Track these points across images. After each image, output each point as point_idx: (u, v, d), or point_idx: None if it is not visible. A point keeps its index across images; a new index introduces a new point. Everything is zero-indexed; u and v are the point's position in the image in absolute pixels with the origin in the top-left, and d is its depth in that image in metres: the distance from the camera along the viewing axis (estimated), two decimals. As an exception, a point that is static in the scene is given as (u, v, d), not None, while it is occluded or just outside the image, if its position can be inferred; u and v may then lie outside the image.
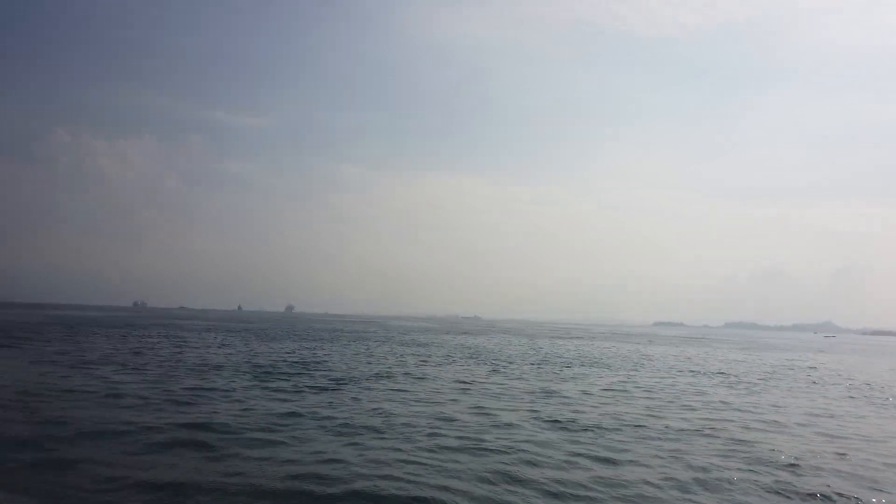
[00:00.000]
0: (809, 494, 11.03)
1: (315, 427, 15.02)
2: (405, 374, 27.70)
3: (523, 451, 13.23)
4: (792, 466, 12.89)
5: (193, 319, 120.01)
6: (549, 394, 22.77)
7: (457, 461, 12.24)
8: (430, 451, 12.97)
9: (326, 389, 21.44)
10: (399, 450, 12.91)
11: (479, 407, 18.95)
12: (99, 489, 9.90)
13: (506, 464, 12.17)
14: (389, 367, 30.37)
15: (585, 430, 15.88)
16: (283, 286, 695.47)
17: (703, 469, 12.36)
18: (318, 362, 31.76)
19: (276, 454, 12.27)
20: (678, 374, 34.18)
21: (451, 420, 16.56)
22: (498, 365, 35.13)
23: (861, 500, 10.83)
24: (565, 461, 12.58)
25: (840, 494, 11.07)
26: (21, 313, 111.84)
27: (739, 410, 20.73)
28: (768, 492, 11.13)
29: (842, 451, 14.82)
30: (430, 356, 40.22)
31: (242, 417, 15.73)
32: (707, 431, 16.38)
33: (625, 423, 17.13)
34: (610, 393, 23.91)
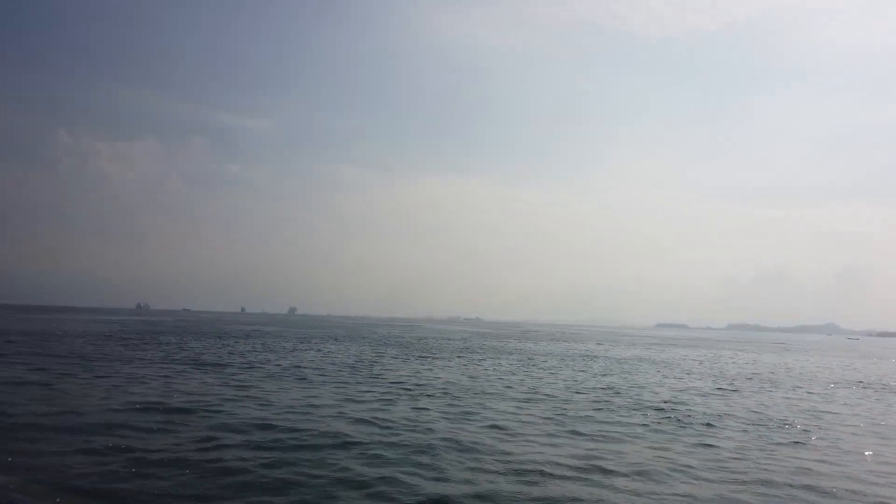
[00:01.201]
0: None
1: None
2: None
3: None
4: None
5: (251, 325, 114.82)
6: None
7: None
8: None
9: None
10: None
11: None
12: None
13: None
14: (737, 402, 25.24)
15: None
16: (285, 287, 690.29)
17: None
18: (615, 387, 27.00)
19: None
20: None
21: None
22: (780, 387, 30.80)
23: None
24: None
25: None
26: (73, 319, 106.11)
27: None
28: None
29: None
30: (671, 376, 35.73)
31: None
32: None
33: None
34: None
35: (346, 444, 13.77)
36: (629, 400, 23.10)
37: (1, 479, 10.29)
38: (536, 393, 24.22)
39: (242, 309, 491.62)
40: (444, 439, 14.61)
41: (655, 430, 17.01)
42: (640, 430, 17.01)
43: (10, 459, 11.26)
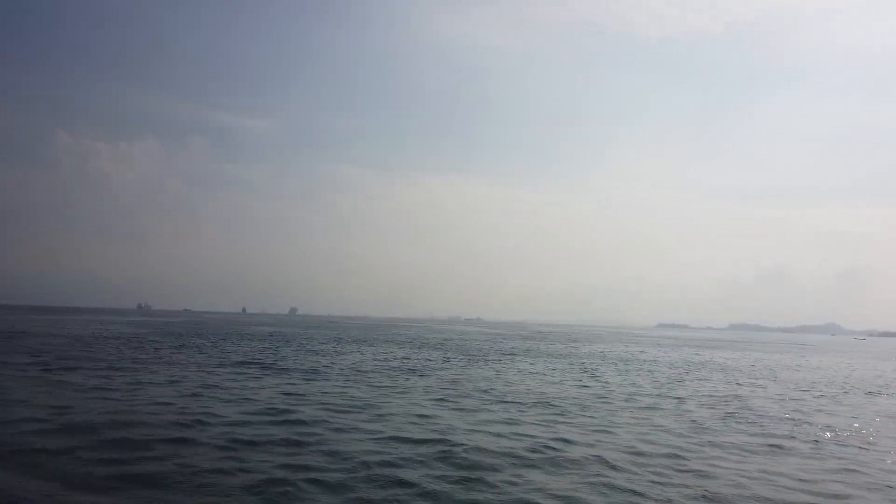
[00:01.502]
0: None
1: None
2: None
3: None
4: None
5: (264, 326, 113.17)
6: None
7: None
8: None
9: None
10: None
11: None
12: None
13: None
14: None
15: None
16: (286, 287, 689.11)
17: None
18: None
19: None
20: None
21: None
22: None
23: None
24: None
25: None
26: (81, 320, 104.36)
27: None
28: None
29: None
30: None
31: None
32: None
33: None
34: None
35: (506, 463, 12.18)
36: (746, 411, 21.50)
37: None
38: (633, 402, 22.58)
39: (244, 309, 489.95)
40: (598, 457, 13.00)
41: (822, 449, 15.33)
42: (804, 448, 15.38)
43: (186, 494, 9.60)
